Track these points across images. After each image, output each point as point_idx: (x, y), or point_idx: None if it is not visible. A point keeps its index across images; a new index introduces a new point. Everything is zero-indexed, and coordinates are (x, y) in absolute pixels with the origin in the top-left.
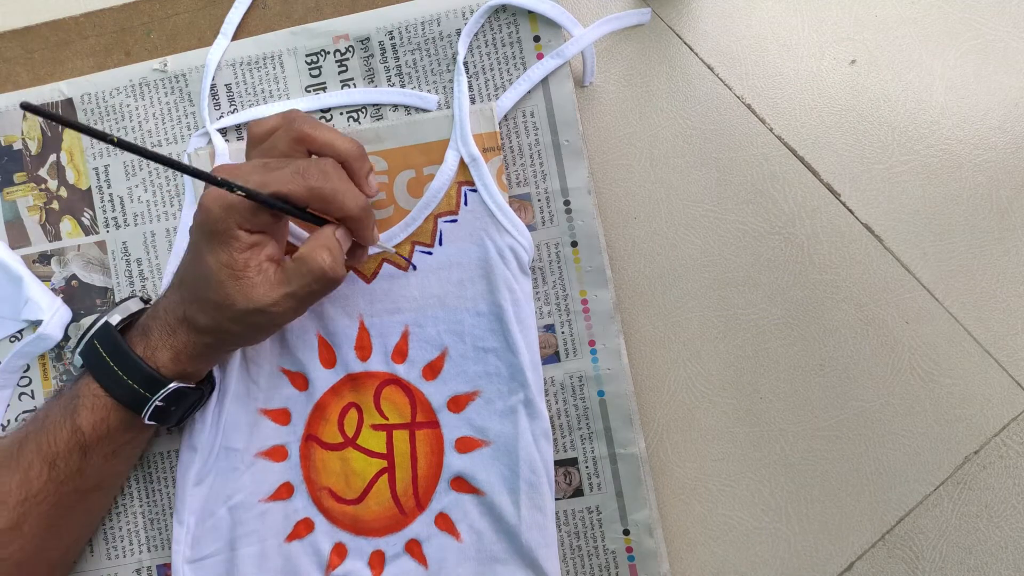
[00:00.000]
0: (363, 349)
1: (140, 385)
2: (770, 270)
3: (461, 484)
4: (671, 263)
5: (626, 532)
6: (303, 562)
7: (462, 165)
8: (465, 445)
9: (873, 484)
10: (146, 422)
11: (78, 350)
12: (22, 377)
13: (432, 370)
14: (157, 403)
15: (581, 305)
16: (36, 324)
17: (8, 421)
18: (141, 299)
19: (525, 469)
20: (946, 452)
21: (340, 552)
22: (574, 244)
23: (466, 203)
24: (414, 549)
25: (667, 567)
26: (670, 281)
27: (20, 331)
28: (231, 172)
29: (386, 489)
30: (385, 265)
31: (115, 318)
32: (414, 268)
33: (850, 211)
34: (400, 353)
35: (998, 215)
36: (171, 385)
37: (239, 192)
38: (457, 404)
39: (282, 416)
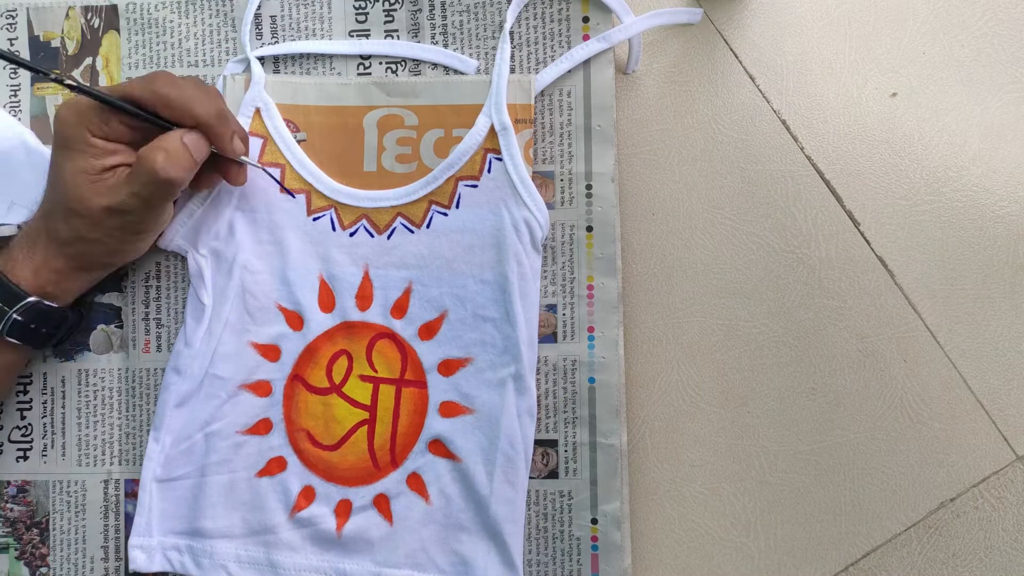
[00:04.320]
0: (364, 299)
1: None
2: (778, 287)
3: (438, 447)
4: (681, 264)
5: (594, 521)
6: (270, 499)
7: (491, 132)
8: (449, 410)
9: (845, 515)
10: (8, 339)
11: None
12: None
13: (428, 330)
14: (16, 318)
15: (586, 290)
16: None
17: None
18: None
19: (504, 443)
20: (923, 494)
21: (308, 495)
22: (589, 229)
23: (489, 170)
24: (382, 504)
25: (629, 562)
26: (678, 282)
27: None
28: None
29: (364, 441)
30: (399, 220)
31: None
32: (286, 191)
33: (867, 241)
34: (400, 308)
35: (1012, 270)
36: (29, 299)
37: (88, 94)
38: (448, 368)
39: (272, 352)
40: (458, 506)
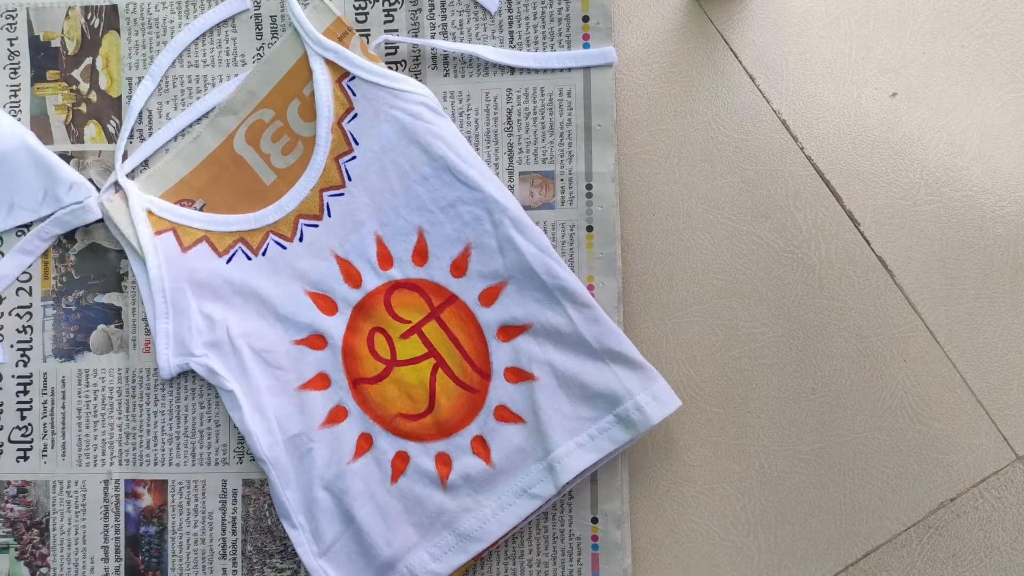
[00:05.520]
0: (352, 277)
1: None
2: (777, 287)
3: (507, 332)
4: (682, 264)
5: (594, 520)
6: (416, 491)
7: (330, 65)
8: (487, 296)
9: (845, 515)
10: None
11: None
12: (23, 273)
13: (420, 255)
14: None
15: (587, 290)
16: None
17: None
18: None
19: (547, 277)
20: (923, 494)
21: (445, 461)
22: (589, 229)
23: (354, 93)
24: (504, 413)
25: (629, 561)
26: (678, 282)
27: (29, 224)
28: None
29: (447, 380)
30: (325, 197)
31: None
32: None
33: (867, 241)
34: (384, 260)
35: (1012, 270)
36: None
37: None
38: (458, 268)
39: (319, 382)
40: (560, 359)
